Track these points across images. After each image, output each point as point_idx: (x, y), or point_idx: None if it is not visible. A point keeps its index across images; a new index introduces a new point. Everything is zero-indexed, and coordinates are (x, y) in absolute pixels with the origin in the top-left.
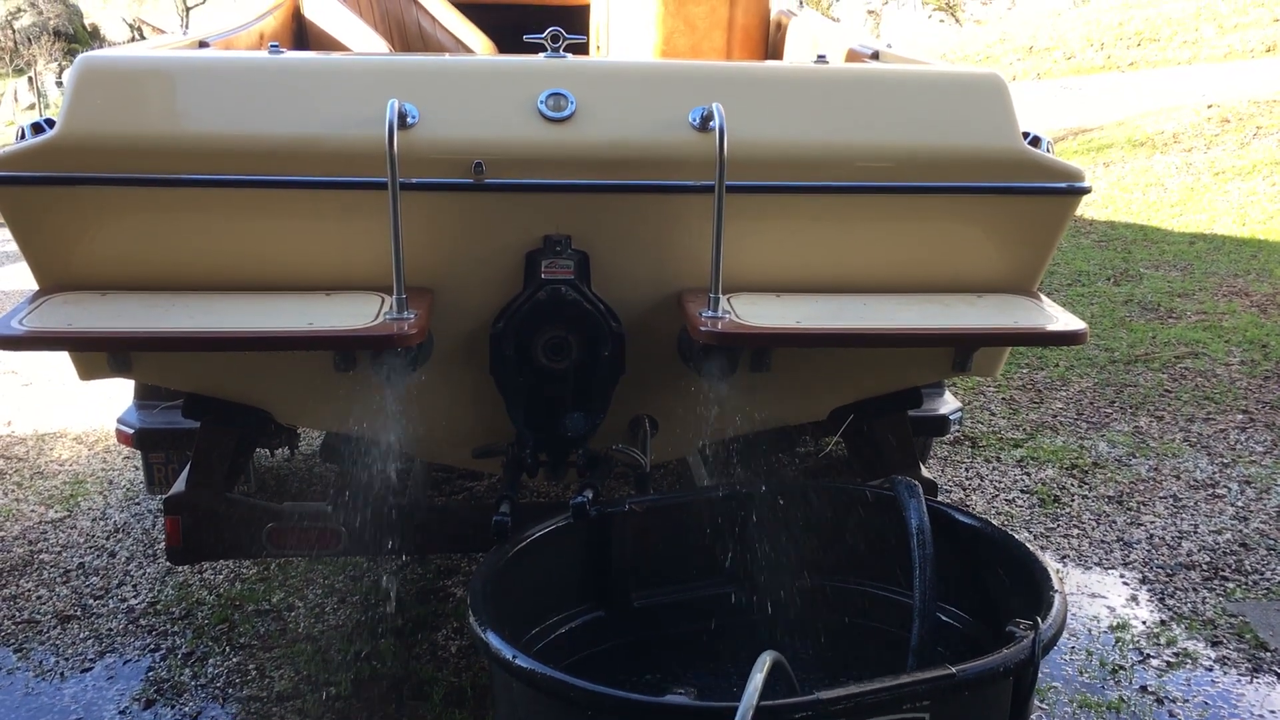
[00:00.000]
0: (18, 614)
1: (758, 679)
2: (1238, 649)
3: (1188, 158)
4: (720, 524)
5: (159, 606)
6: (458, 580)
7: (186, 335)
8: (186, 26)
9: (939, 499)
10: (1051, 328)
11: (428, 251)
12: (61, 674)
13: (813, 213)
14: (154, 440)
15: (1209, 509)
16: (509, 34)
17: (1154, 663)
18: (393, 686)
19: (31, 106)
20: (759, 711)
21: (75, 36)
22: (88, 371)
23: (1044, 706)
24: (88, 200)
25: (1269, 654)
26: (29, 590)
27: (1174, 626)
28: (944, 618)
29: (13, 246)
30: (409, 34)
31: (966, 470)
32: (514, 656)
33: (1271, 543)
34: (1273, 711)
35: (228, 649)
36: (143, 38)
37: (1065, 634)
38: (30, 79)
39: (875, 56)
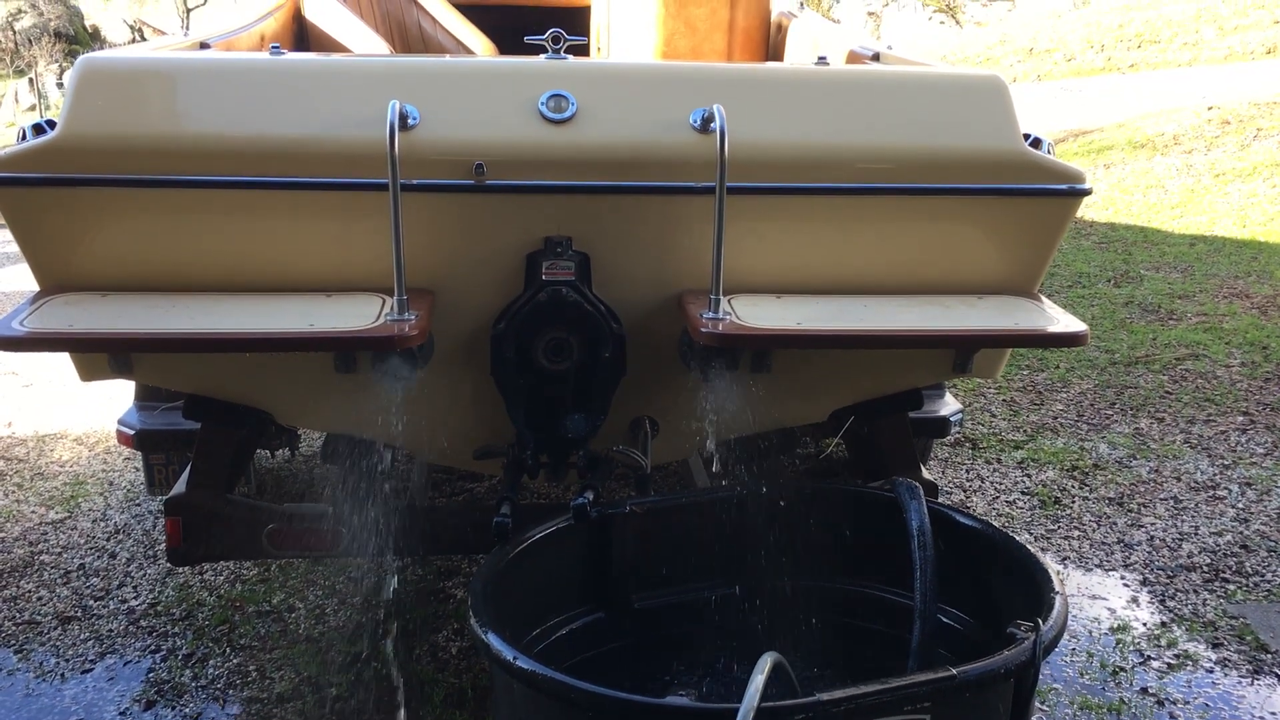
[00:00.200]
0: (18, 615)
1: (758, 680)
2: (1238, 651)
3: (1188, 159)
4: (721, 526)
5: (159, 608)
6: (458, 581)
7: (187, 336)
8: (187, 28)
9: (940, 500)
10: (1052, 329)
11: (428, 253)
12: (62, 675)
13: (813, 214)
14: (154, 441)
15: (1210, 511)
16: (509, 35)
17: (1155, 664)
18: (393, 688)
19: (32, 108)
20: (760, 713)
21: (76, 38)
22: (88, 372)
23: (1045, 708)
24: (89, 201)
25: (1270, 656)
26: (29, 591)
27: (1175, 628)
28: (945, 619)
29: (13, 247)
30: (410, 35)
31: (967, 472)
32: (515, 658)
33: (1272, 544)
34: (1273, 713)
35: (228, 650)
36: (143, 39)
37: (1066, 636)
38: (31, 80)
39: (876, 58)
